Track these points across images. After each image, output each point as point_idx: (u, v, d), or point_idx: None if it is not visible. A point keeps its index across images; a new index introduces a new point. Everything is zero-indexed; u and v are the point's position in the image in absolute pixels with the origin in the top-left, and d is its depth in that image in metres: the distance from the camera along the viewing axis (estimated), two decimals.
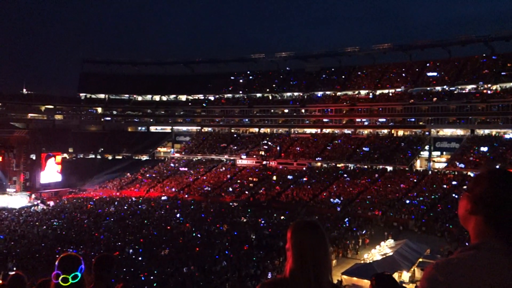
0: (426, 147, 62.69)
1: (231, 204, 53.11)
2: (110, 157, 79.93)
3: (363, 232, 38.22)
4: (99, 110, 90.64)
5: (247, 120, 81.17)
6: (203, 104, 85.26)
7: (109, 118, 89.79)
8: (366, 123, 70.15)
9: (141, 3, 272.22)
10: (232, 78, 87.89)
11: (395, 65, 75.59)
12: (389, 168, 58.44)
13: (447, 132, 64.10)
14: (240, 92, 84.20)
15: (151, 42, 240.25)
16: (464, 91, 63.96)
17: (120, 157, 79.27)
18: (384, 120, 68.37)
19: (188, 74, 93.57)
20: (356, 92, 73.79)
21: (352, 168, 61.27)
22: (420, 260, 26.46)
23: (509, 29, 66.92)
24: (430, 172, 58.02)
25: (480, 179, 1.63)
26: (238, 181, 62.25)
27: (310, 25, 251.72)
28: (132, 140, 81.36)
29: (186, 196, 58.71)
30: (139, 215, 44.82)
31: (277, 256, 28.74)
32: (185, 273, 25.63)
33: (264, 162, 66.67)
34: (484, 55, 68.34)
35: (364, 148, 63.68)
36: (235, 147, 73.32)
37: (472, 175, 49.06)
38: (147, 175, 69.50)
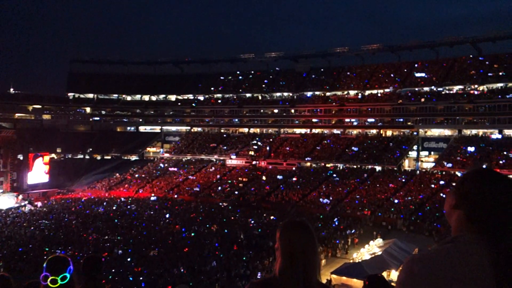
0: (414, 147, 63.22)
1: (220, 204, 53.09)
2: (98, 157, 79.34)
3: (352, 231, 38.46)
4: (88, 110, 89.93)
5: (237, 120, 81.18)
6: (193, 104, 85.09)
7: (97, 118, 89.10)
8: (355, 123, 70.54)
9: (130, 3, 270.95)
10: (222, 78, 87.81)
11: (384, 66, 76.10)
12: (378, 168, 58.82)
13: (435, 132, 64.71)
14: (230, 92, 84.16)
15: (140, 41, 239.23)
16: (451, 92, 64.59)
17: (109, 157, 78.79)
18: (373, 120, 68.83)
19: (178, 74, 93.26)
20: (345, 92, 74.16)
21: (341, 168, 61.57)
22: None
23: (495, 31, 67.66)
24: (418, 172, 58.52)
25: (466, 177, 1.70)
26: (228, 181, 62.23)
27: (300, 26, 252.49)
28: (121, 140, 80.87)
29: (176, 196, 58.55)
30: (128, 216, 44.59)
31: (267, 256, 28.80)
32: (174, 273, 25.56)
33: (254, 162, 66.75)
34: (471, 56, 69.05)
35: (353, 148, 64.03)
36: (225, 147, 73.27)
37: (459, 174, 49.63)
38: (136, 175, 69.17)
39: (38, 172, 63.02)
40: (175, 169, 69.80)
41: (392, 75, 72.74)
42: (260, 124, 78.74)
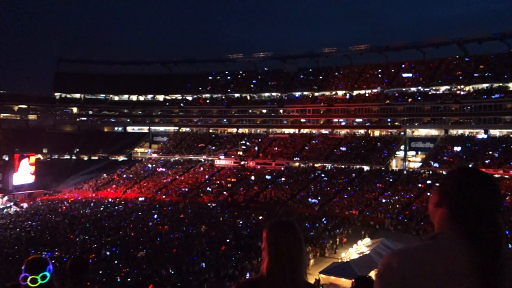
0: (402, 147, 63.73)
1: (209, 204, 52.97)
2: (86, 158, 78.63)
3: (341, 230, 38.66)
4: (75, 110, 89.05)
5: (225, 120, 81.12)
6: (181, 104, 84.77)
7: (85, 118, 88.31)
8: (343, 123, 70.88)
9: (117, 2, 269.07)
10: (210, 78, 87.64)
11: (372, 66, 76.63)
12: (366, 168, 59.18)
13: (422, 132, 65.32)
14: (219, 92, 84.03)
15: (128, 41, 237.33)
16: (438, 92, 65.27)
17: (96, 158, 78.12)
18: (360, 120, 69.26)
19: (166, 74, 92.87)
20: (333, 92, 74.52)
21: (329, 168, 61.83)
22: None
23: (481, 32, 68.53)
24: (405, 171, 59.01)
25: (450, 175, 1.72)
26: (216, 181, 62.12)
27: (288, 26, 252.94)
28: (108, 141, 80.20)
29: (164, 197, 58.28)
30: (116, 217, 44.26)
31: (256, 256, 28.79)
32: (162, 274, 25.44)
33: (242, 162, 66.71)
34: (457, 57, 69.84)
35: (341, 148, 64.34)
36: (213, 148, 73.14)
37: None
38: (124, 175, 68.70)
39: (24, 173, 62.23)
40: (163, 169, 69.48)
41: (379, 75, 73.30)
42: (248, 124, 78.74)
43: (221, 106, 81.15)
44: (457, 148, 56.46)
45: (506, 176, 48.33)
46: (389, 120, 66.86)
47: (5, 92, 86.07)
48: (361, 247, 29.64)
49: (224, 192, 57.50)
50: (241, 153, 68.58)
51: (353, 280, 3.86)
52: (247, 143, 71.45)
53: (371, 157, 60.28)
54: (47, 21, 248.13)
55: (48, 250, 30.29)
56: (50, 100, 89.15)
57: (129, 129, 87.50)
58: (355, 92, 72.33)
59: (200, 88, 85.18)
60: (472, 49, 69.58)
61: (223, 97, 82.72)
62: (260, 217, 43.79)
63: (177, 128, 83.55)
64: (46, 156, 76.58)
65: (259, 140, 72.74)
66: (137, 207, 50.55)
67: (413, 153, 63.56)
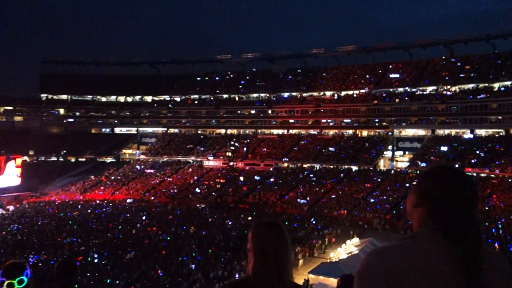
0: (389, 147, 64.19)
1: (198, 205, 52.83)
2: (73, 160, 77.90)
3: (330, 230, 38.79)
4: (62, 111, 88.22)
5: (213, 121, 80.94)
6: (169, 105, 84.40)
7: (71, 120, 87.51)
8: (331, 124, 71.15)
9: (105, 2, 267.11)
10: (198, 79, 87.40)
11: (359, 67, 77.08)
12: (354, 168, 59.49)
13: (409, 132, 65.86)
14: (207, 93, 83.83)
15: (115, 42, 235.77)
16: (425, 92, 65.90)
17: (84, 159, 77.41)
18: (348, 120, 69.58)
19: (154, 74, 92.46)
20: (322, 93, 74.81)
21: (318, 168, 62.03)
22: None
23: (467, 33, 69.55)
24: (393, 171, 59.45)
25: (426, 174, 1.71)
26: (205, 182, 61.94)
27: (276, 27, 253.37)
28: (96, 142, 79.57)
29: (153, 198, 57.98)
30: (104, 219, 43.91)
31: (245, 257, 28.76)
32: (151, 276, 25.30)
33: (231, 163, 66.63)
34: (444, 57, 70.61)
35: (329, 149, 64.58)
36: (202, 148, 72.93)
37: None
38: (112, 177, 68.20)
39: (10, 175, 61.42)
40: (152, 170, 69.12)
41: (367, 76, 73.76)
42: (237, 125, 78.65)
43: (209, 107, 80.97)
44: (444, 148, 57.03)
45: (492, 176, 48.94)
46: (376, 120, 67.30)
47: None
48: (350, 247, 29.81)
49: (213, 193, 57.33)
50: (230, 154, 68.50)
51: (338, 278, 3.86)
52: (236, 144, 71.39)
53: (359, 157, 60.61)
54: (32, 22, 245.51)
55: (35, 253, 29.94)
56: (36, 101, 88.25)
57: (117, 130, 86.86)
58: (343, 93, 72.68)
59: (188, 89, 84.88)
60: (458, 50, 70.66)
61: (212, 98, 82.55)
62: (249, 218, 43.77)
63: (166, 129, 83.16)
64: (33, 158, 75.73)
65: (248, 140, 72.70)
66: (125, 208, 50.19)
67: (401, 153, 64.05)
